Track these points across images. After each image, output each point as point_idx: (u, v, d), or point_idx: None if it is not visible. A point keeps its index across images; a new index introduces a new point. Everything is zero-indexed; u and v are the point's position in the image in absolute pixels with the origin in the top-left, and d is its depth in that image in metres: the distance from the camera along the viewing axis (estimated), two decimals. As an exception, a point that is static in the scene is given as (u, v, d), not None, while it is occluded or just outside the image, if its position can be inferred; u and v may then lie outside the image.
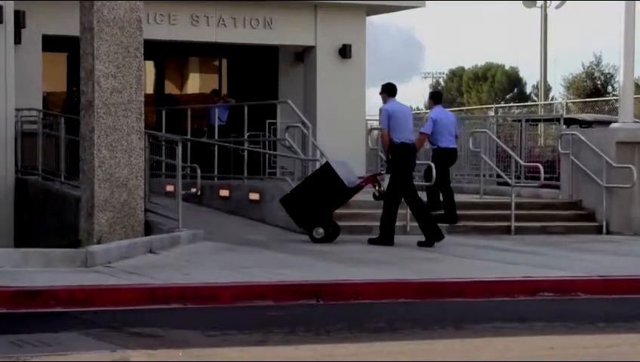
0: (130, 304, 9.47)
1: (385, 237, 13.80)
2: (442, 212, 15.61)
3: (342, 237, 14.49)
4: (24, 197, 18.36)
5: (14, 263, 11.12)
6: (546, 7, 45.35)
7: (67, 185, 16.75)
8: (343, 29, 23.63)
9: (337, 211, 15.34)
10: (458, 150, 16.78)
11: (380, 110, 14.53)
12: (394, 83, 14.20)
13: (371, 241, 13.86)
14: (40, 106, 20.09)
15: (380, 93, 14.18)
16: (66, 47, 21.60)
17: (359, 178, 14.44)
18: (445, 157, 15.76)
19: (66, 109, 20.19)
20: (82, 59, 13.71)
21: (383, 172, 14.23)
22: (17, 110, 18.95)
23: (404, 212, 15.32)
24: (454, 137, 16.00)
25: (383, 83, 14.20)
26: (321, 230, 13.98)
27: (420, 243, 13.72)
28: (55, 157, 17.84)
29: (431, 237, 13.69)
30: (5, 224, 18.27)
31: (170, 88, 24.97)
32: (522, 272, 11.41)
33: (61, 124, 17.44)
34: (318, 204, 13.96)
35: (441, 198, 15.76)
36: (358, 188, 14.19)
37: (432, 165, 14.99)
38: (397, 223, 15.28)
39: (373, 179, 14.20)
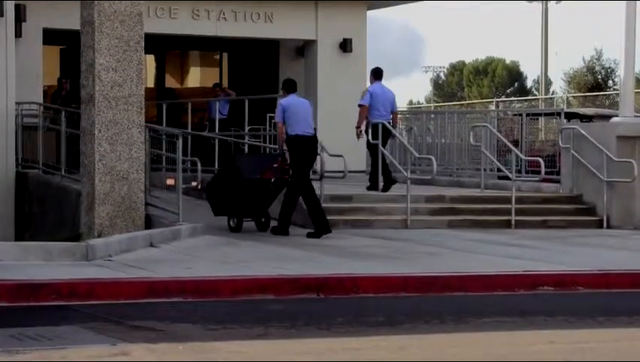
0: (131, 297, 9.47)
1: (282, 227, 13.98)
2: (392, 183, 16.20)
3: (343, 231, 14.51)
4: (25, 191, 18.36)
5: (15, 257, 11.12)
6: (546, 2, 45.33)
7: (68, 178, 16.74)
8: (344, 23, 23.63)
9: (339, 205, 15.38)
10: (459, 144, 16.83)
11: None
12: (293, 79, 14.71)
13: (273, 231, 14.04)
14: (40, 100, 20.09)
15: (281, 89, 14.60)
16: (61, 41, 21.61)
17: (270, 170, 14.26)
18: (378, 132, 16.09)
19: (54, 102, 20.17)
20: (83, 52, 13.71)
21: (275, 166, 14.22)
22: (18, 104, 18.94)
23: (404, 206, 15.34)
24: (390, 113, 16.59)
25: (285, 79, 14.82)
26: (235, 220, 14.23)
27: (309, 235, 13.86)
28: (56, 151, 17.84)
29: (320, 230, 13.86)
30: (6, 218, 18.28)
31: (170, 82, 24.97)
32: (523, 266, 11.40)
33: (62, 117, 17.42)
34: (227, 194, 14.15)
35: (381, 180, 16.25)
36: (258, 180, 14.10)
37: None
38: (397, 217, 15.34)
39: (271, 172, 14.17)
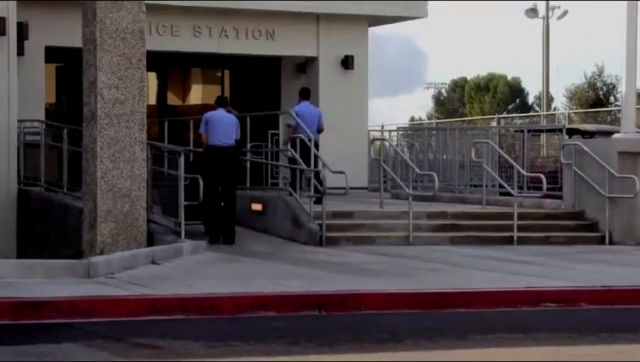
0: (133, 315, 9.45)
1: (207, 233, 15.02)
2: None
3: (345, 247, 14.52)
4: (27, 208, 18.34)
5: (17, 274, 11.11)
6: (548, 18, 45.38)
7: (70, 196, 16.73)
8: (346, 39, 23.64)
9: (341, 222, 15.39)
10: (460, 160, 16.81)
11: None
12: (224, 96, 16.67)
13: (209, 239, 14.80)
14: (42, 117, 20.09)
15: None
16: (60, 59, 21.63)
17: None
18: (304, 146, 16.12)
19: (53, 119, 20.19)
20: (85, 70, 13.72)
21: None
22: (20, 121, 18.94)
23: (406, 222, 15.32)
24: (316, 131, 17.06)
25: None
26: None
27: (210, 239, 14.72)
28: (58, 169, 17.83)
29: (226, 238, 14.85)
30: (8, 235, 18.25)
31: (172, 99, 24.98)
32: (525, 282, 11.38)
33: (64, 134, 17.43)
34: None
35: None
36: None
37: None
38: (400, 234, 15.33)
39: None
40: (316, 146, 16.48)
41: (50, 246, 16.43)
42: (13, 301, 9.46)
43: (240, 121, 18.52)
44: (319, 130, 17.27)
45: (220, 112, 15.58)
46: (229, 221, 15.11)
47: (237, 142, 15.59)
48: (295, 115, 16.71)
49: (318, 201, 15.11)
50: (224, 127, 15.36)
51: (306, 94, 17.69)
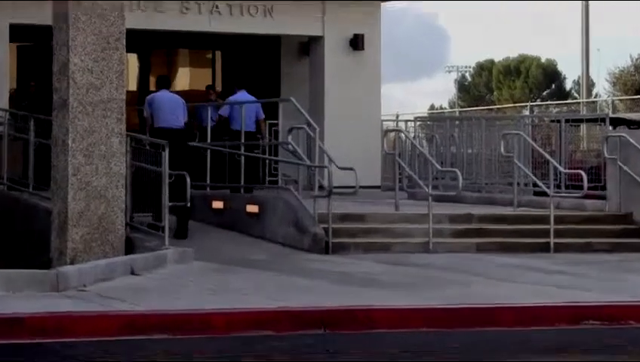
0: (108, 334, 9.39)
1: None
2: None
3: (355, 255, 14.51)
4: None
5: (-27, 286, 11.05)
6: (588, -8, 45.32)
7: (37, 195, 16.73)
8: (355, 16, 23.66)
9: (350, 226, 15.37)
10: (487, 154, 16.81)
11: None
12: (165, 75, 18.99)
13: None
14: (6, 105, 20.06)
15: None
16: (27, 38, 21.58)
17: None
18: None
19: (19, 108, 20.14)
20: (55, 51, 13.71)
21: None
22: (-21, 110, 18.92)
23: (425, 226, 15.27)
24: (254, 122, 18.13)
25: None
26: None
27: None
28: (23, 164, 17.82)
29: (177, 232, 15.29)
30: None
31: (155, 85, 24.96)
32: (564, 297, 11.35)
33: (30, 125, 17.39)
34: None
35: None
36: None
37: None
38: (418, 240, 15.30)
39: None
40: (253, 138, 17.79)
41: (12, 254, 16.39)
42: (-32, 318, 9.39)
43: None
44: (258, 121, 18.35)
45: (164, 93, 16.58)
46: (181, 213, 15.30)
47: (186, 125, 16.61)
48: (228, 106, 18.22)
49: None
50: (170, 108, 16.25)
51: (240, 85, 19.04)
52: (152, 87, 24.73)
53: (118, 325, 9.59)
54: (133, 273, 12.45)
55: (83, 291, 11.19)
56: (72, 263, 12.83)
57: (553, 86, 76.47)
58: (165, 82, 17.13)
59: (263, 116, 18.47)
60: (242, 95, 18.46)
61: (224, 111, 18.32)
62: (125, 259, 12.92)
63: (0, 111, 19.12)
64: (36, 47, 21.85)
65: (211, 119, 20.05)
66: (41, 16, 18.62)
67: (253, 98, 18.64)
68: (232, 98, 18.67)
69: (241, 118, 17.55)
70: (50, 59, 13.91)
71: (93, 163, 13.46)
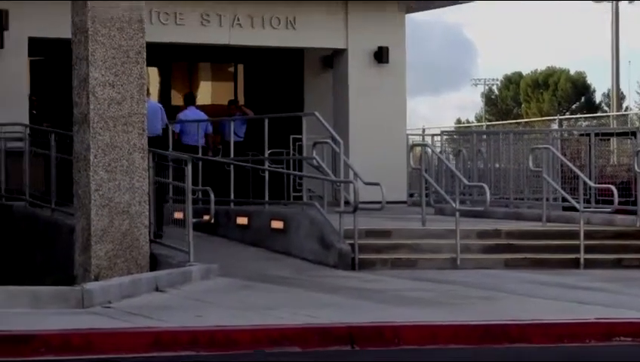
0: (134, 351, 9.47)
1: None
2: None
3: (382, 271, 14.54)
4: (9, 226, 18.43)
5: (-2, 303, 11.16)
6: (617, 2, 45.29)
7: (59, 211, 16.83)
8: (379, 29, 23.67)
9: (377, 241, 15.44)
10: (515, 168, 16.84)
11: None
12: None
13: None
14: (26, 120, 20.17)
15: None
16: (41, 52, 21.70)
17: None
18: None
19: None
20: (75, 65, 13.76)
21: None
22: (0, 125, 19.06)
23: (452, 242, 15.34)
24: (202, 136, 20.09)
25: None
26: None
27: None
28: (44, 180, 17.91)
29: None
30: (-14, 258, 18.34)
31: (177, 99, 25.07)
32: (594, 313, 11.36)
33: (51, 140, 17.50)
34: None
35: None
36: None
37: None
38: (445, 256, 15.36)
39: None
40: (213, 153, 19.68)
41: (36, 271, 16.52)
42: (-7, 334, 9.51)
43: (257, 123, 18.61)
44: (207, 136, 20.25)
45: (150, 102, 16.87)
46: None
47: (164, 131, 17.26)
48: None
49: None
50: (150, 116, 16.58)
51: (190, 100, 20.93)
52: (174, 101, 24.96)
53: (144, 342, 9.64)
54: (157, 289, 12.50)
55: (108, 308, 11.25)
56: (96, 280, 12.88)
57: (582, 99, 76.19)
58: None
59: (211, 130, 20.39)
60: (192, 111, 20.26)
61: (175, 127, 19.59)
62: (150, 275, 12.98)
63: (20, 127, 19.21)
64: (45, 61, 21.93)
65: (235, 134, 20.19)
66: (57, 29, 18.74)
67: (202, 113, 20.41)
68: (181, 114, 20.18)
69: (194, 133, 19.48)
70: (60, 73, 13.92)
71: (116, 178, 13.50)
